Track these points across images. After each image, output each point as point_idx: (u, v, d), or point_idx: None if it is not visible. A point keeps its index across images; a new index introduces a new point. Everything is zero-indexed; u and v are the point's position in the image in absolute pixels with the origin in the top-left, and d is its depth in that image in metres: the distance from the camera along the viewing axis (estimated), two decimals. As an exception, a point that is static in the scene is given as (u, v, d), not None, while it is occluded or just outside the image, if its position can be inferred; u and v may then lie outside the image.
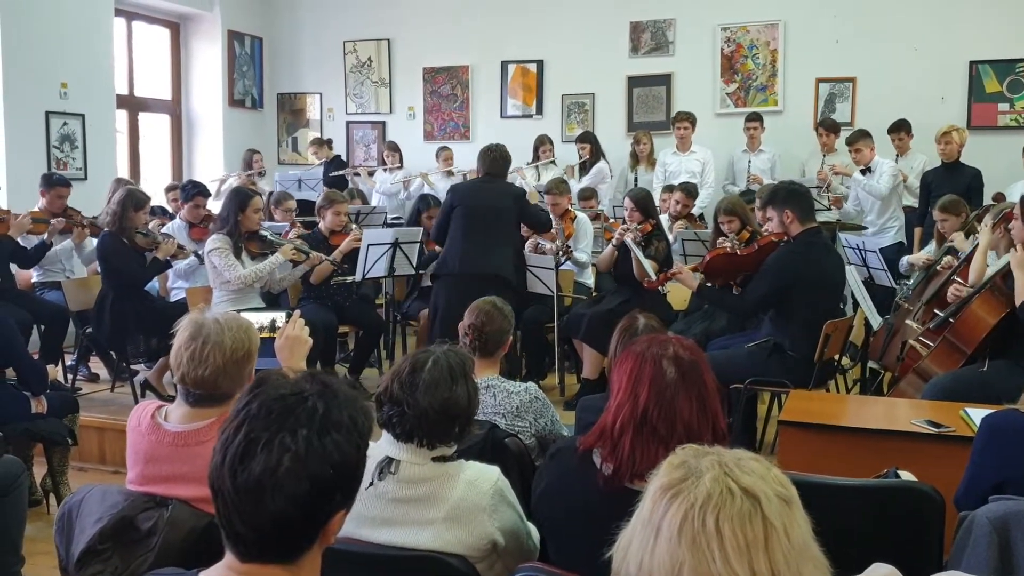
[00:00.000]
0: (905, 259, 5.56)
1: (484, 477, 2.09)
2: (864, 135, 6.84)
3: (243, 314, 3.22)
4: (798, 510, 1.09)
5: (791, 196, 4.39)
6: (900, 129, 7.19)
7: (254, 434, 1.25)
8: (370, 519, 2.05)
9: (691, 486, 1.06)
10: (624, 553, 1.10)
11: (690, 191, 6.70)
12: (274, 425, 1.25)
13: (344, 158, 9.49)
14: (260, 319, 3.37)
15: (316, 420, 1.27)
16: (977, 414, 3.11)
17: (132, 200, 5.43)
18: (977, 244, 4.32)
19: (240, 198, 5.30)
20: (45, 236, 5.85)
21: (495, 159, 5.44)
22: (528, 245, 5.94)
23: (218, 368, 2.19)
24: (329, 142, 9.12)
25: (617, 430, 1.97)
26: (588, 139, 8.00)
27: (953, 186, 6.02)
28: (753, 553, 1.02)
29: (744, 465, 1.09)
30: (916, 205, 7.20)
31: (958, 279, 4.35)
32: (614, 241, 5.59)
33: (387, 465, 2.07)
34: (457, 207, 5.36)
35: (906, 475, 2.58)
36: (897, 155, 7.22)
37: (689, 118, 7.74)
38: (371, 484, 2.04)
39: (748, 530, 1.03)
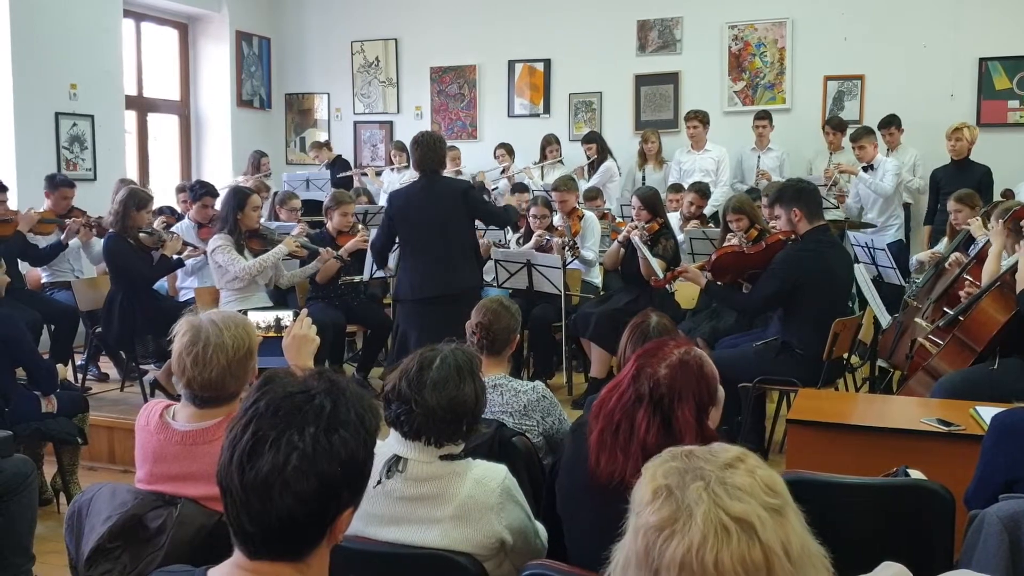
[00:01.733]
0: (915, 258, 5.54)
1: (492, 475, 2.09)
2: (868, 132, 6.84)
3: (250, 313, 3.22)
4: (791, 513, 1.08)
5: (799, 194, 4.37)
6: (891, 124, 7.21)
7: (262, 432, 1.25)
8: (378, 517, 2.06)
9: (683, 528, 1.04)
10: None
11: (703, 191, 6.67)
12: (282, 423, 1.25)
13: (352, 158, 9.51)
14: (266, 318, 3.38)
15: (323, 418, 1.27)
16: (987, 413, 3.09)
17: (134, 200, 5.44)
18: (989, 239, 4.30)
19: (238, 197, 5.32)
20: (63, 236, 5.88)
21: (425, 151, 4.80)
22: (532, 241, 5.95)
23: (223, 369, 2.18)
24: (327, 143, 9.13)
25: (592, 418, 2.01)
26: (593, 139, 7.98)
27: (963, 183, 5.99)
28: None
29: (731, 483, 1.07)
30: (912, 202, 7.22)
31: (968, 277, 4.33)
32: (620, 238, 5.58)
33: (395, 463, 2.07)
34: (399, 222, 4.88)
35: (915, 474, 2.57)
36: (888, 150, 7.21)
37: (699, 116, 7.71)
38: (379, 482, 2.05)
39: (748, 561, 1.02)
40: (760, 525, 1.04)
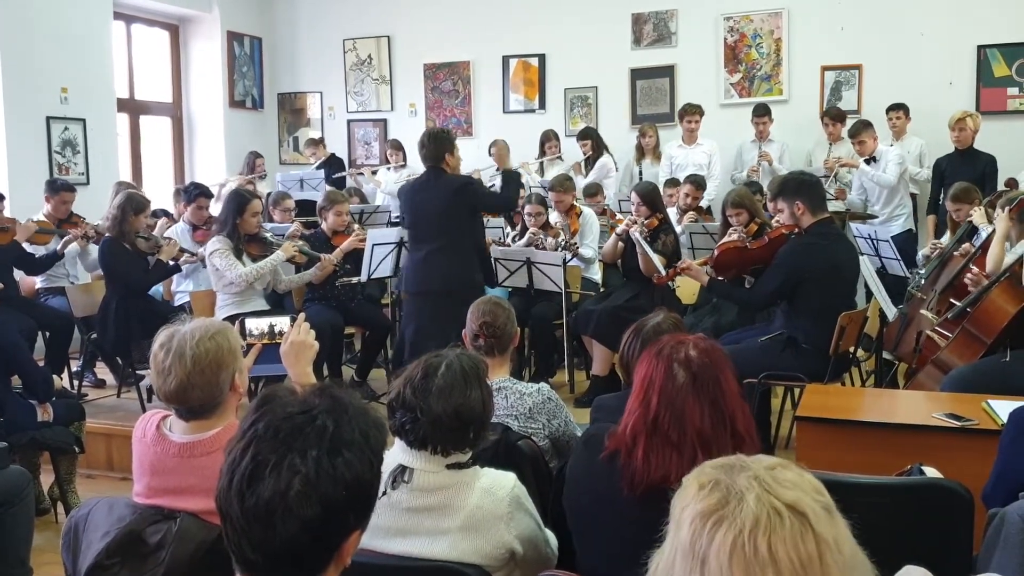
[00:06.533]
0: (921, 253, 5.49)
1: (500, 484, 2.04)
2: (866, 126, 6.78)
3: (248, 319, 3.15)
4: (838, 516, 1.04)
5: (802, 187, 4.32)
6: (898, 108, 7.15)
7: (261, 456, 1.19)
8: (384, 529, 2.00)
9: (734, 511, 1.00)
10: None
11: (699, 183, 6.63)
12: (282, 446, 1.19)
13: (346, 156, 9.44)
14: (260, 325, 3.31)
15: (326, 439, 1.21)
16: (1000, 406, 3.05)
17: (132, 204, 5.40)
18: (993, 231, 4.26)
19: (238, 201, 5.27)
20: (58, 246, 5.81)
21: (422, 145, 4.88)
22: (526, 240, 5.88)
23: (181, 381, 2.10)
24: (322, 141, 9.06)
25: (630, 436, 1.95)
26: (588, 135, 7.90)
27: (967, 173, 5.96)
28: (810, 573, 0.97)
29: (780, 477, 1.04)
30: (919, 193, 7.17)
31: (974, 267, 4.28)
32: (618, 231, 5.52)
33: (400, 474, 2.01)
34: (405, 213, 5.01)
35: (930, 471, 2.52)
36: (893, 137, 7.15)
37: (699, 111, 7.65)
38: (384, 493, 1.99)
39: (802, 550, 0.98)
40: (813, 515, 1.00)
